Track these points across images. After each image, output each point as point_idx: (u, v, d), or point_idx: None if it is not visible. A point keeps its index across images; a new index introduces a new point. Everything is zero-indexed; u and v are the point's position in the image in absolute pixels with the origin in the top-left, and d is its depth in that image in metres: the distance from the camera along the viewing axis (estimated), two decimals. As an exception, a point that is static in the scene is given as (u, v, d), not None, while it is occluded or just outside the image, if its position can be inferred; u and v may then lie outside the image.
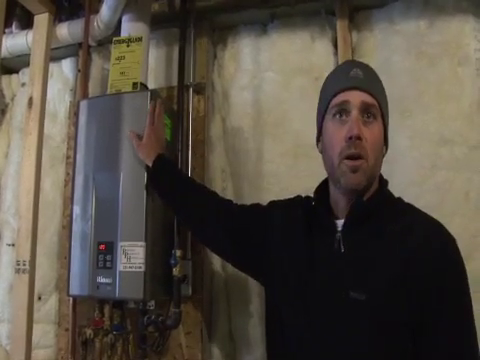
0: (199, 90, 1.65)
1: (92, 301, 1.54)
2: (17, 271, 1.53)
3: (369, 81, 0.91)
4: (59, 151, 1.85)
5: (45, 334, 1.72)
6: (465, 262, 0.82)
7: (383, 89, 0.95)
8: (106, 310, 1.50)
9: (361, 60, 1.24)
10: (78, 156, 1.44)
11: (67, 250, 1.44)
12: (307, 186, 1.02)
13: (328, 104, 0.92)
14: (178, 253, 1.39)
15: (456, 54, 1.47)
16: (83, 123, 1.45)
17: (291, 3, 1.61)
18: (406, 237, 0.83)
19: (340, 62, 1.49)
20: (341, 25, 1.56)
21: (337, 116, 0.89)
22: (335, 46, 1.60)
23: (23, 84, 1.99)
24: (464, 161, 1.41)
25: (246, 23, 1.74)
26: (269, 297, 1.02)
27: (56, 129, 1.88)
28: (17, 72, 2.05)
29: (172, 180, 1.27)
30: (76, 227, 1.40)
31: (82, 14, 1.76)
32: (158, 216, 1.38)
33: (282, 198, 1.11)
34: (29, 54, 1.72)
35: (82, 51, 1.78)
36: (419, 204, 0.91)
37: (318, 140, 0.98)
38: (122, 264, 1.30)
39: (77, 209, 1.41)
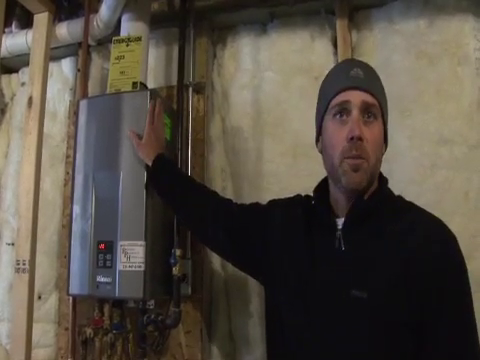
0: (199, 89, 1.65)
1: (92, 300, 1.54)
2: (17, 270, 1.53)
3: (369, 80, 0.91)
4: (59, 150, 1.85)
5: (45, 333, 1.72)
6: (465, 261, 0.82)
7: (383, 88, 0.95)
8: (106, 309, 1.51)
9: (361, 59, 1.24)
10: (78, 155, 1.44)
11: (67, 249, 1.44)
12: (307, 186, 1.02)
13: (328, 104, 0.91)
14: (178, 252, 1.39)
15: (456, 54, 1.47)
16: (83, 122, 1.45)
17: (290, 2, 1.61)
18: (407, 236, 0.83)
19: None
20: (341, 24, 1.56)
21: (337, 116, 0.89)
22: (335, 45, 1.60)
23: (23, 83, 1.99)
24: (464, 161, 1.41)
25: (246, 22, 1.74)
26: (269, 296, 1.02)
27: (56, 128, 1.88)
28: (17, 71, 2.05)
29: (172, 179, 1.27)
30: (76, 226, 1.40)
31: (82, 13, 1.76)
32: (158, 215, 1.38)
33: (282, 198, 1.11)
34: (29, 53, 1.72)
35: (82, 50, 1.78)
36: (419, 203, 0.91)
37: (317, 139, 0.98)
38: (122, 263, 1.30)
39: (77, 208, 1.41)
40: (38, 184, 1.61)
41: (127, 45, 1.49)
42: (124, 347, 1.50)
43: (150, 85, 1.60)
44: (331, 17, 1.63)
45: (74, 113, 1.66)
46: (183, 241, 1.47)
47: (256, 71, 1.69)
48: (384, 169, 0.96)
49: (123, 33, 1.54)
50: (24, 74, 1.99)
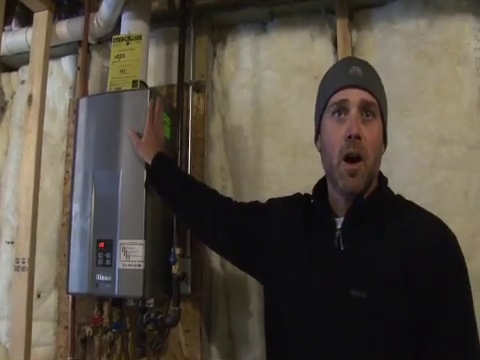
0: (199, 88, 1.65)
1: (91, 299, 1.54)
2: (16, 269, 1.53)
3: (368, 79, 0.90)
4: (58, 149, 1.85)
5: (44, 332, 1.72)
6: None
7: (382, 87, 0.94)
8: (105, 308, 1.50)
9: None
10: (77, 154, 1.44)
11: (66, 248, 1.44)
12: (306, 185, 1.02)
13: (327, 102, 0.91)
14: (177, 251, 1.39)
15: (456, 53, 1.47)
16: (82, 121, 1.45)
17: (290, 1, 1.62)
18: (406, 235, 0.82)
19: (340, 61, 1.49)
20: (341, 24, 1.56)
21: (336, 114, 0.89)
22: (335, 45, 1.60)
23: (23, 82, 1.99)
24: (463, 160, 1.41)
25: (246, 21, 1.74)
26: (268, 296, 1.01)
27: (56, 127, 1.88)
28: (17, 70, 2.05)
29: (171, 178, 1.27)
30: (75, 225, 1.40)
31: (82, 12, 1.76)
32: (157, 214, 1.38)
33: (282, 196, 1.11)
34: (29, 52, 1.72)
35: (82, 49, 1.78)
36: (418, 203, 0.91)
37: (316, 138, 0.97)
38: (121, 262, 1.30)
39: (76, 207, 1.41)
40: (38, 182, 1.61)
41: (127, 44, 1.49)
42: (123, 346, 1.50)
43: (150, 84, 1.60)
44: (331, 16, 1.63)
45: (74, 111, 1.66)
46: (183, 240, 1.47)
47: (256, 70, 1.69)
48: (384, 169, 0.96)
49: (123, 31, 1.54)
50: (24, 72, 1.99)
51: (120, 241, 1.32)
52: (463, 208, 1.39)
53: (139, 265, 1.29)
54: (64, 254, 1.66)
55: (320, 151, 0.96)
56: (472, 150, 1.41)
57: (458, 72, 1.46)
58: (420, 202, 0.91)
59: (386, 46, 1.56)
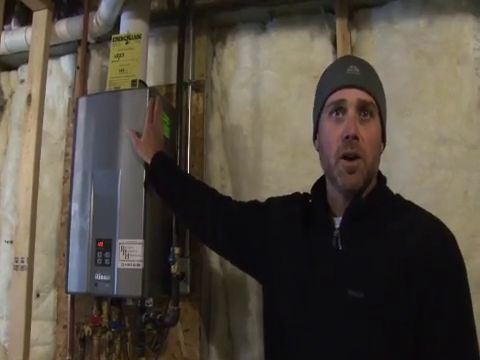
0: (198, 88, 1.65)
1: (90, 298, 1.54)
2: (15, 268, 1.53)
3: (366, 78, 0.90)
4: (58, 148, 1.85)
5: (43, 331, 1.72)
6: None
7: (380, 85, 0.94)
8: (104, 307, 1.50)
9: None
10: (77, 153, 1.44)
11: (65, 247, 1.44)
12: (306, 184, 1.02)
13: (324, 102, 0.91)
14: (176, 251, 1.39)
15: (455, 53, 1.47)
16: (82, 120, 1.45)
17: (289, 1, 1.61)
18: (405, 235, 0.82)
19: (339, 61, 1.49)
20: (340, 23, 1.56)
21: (333, 114, 0.88)
22: (334, 44, 1.60)
23: (22, 81, 1.99)
24: (463, 160, 1.41)
25: (245, 21, 1.74)
26: (267, 295, 1.01)
27: (55, 126, 1.88)
28: (16, 69, 2.05)
29: (170, 177, 1.27)
30: (74, 224, 1.40)
31: (81, 11, 1.76)
32: (157, 213, 1.38)
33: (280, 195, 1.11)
34: (28, 51, 1.71)
35: (81, 48, 1.78)
36: (418, 203, 0.91)
37: (315, 137, 0.97)
38: (120, 261, 1.30)
39: (75, 206, 1.41)
40: (37, 182, 1.60)
41: (126, 43, 1.49)
42: (122, 345, 1.49)
43: (149, 83, 1.60)
44: (331, 16, 1.63)
45: (73, 111, 1.65)
46: (182, 239, 1.47)
47: (255, 69, 1.69)
48: (383, 169, 0.95)
49: (122, 31, 1.54)
50: (23, 71, 1.99)
51: (119, 240, 1.32)
52: (462, 208, 1.38)
53: (138, 265, 1.29)
54: (63, 253, 1.66)
55: (318, 150, 0.96)
56: (472, 150, 1.41)
57: (458, 72, 1.46)
58: (419, 202, 0.90)
59: (386, 46, 1.56)
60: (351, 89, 0.87)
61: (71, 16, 1.79)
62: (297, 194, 1.07)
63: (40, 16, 1.69)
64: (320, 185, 0.97)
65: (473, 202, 1.39)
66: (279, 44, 1.68)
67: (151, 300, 1.43)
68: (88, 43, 1.78)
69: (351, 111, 0.86)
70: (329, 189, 0.94)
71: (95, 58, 1.84)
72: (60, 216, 1.77)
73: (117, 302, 1.46)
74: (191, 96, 1.63)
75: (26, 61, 1.75)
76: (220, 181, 1.66)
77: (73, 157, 1.44)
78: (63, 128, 1.86)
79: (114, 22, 1.64)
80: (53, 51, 1.81)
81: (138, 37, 1.48)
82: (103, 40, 1.81)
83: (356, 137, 0.84)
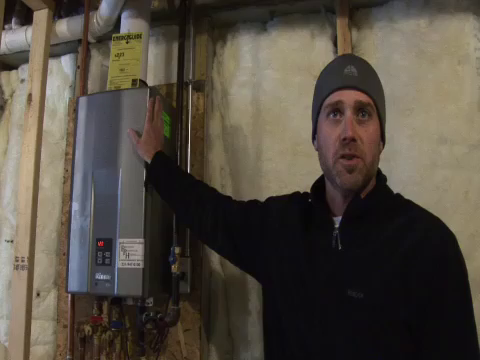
0: (198, 87, 1.65)
1: (91, 298, 1.54)
2: (16, 267, 1.53)
3: (364, 79, 0.89)
4: (58, 148, 1.85)
5: (44, 331, 1.72)
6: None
7: (379, 84, 0.93)
8: (105, 307, 1.50)
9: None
10: (77, 153, 1.43)
11: (66, 247, 1.44)
12: (306, 184, 1.02)
13: (322, 103, 0.90)
14: (177, 250, 1.39)
15: (456, 53, 1.47)
16: (82, 120, 1.45)
17: (290, 1, 1.61)
18: (405, 234, 0.82)
19: (340, 60, 1.49)
20: (341, 23, 1.56)
21: (331, 115, 0.88)
22: (335, 44, 1.60)
23: (22, 80, 1.99)
24: (464, 160, 1.41)
25: (246, 20, 1.74)
26: (267, 295, 1.01)
27: (55, 126, 1.88)
28: (16, 68, 2.05)
29: (171, 177, 1.26)
30: (75, 224, 1.40)
31: (81, 10, 1.76)
32: (157, 213, 1.38)
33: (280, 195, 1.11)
34: (28, 50, 1.72)
35: (81, 47, 1.78)
36: (418, 203, 0.90)
37: (314, 138, 0.97)
38: (121, 261, 1.30)
39: (76, 206, 1.40)
40: (37, 181, 1.61)
41: (127, 42, 1.49)
42: (123, 345, 1.50)
43: (150, 82, 1.60)
44: (331, 15, 1.63)
45: (73, 110, 1.66)
46: (182, 239, 1.47)
47: (256, 69, 1.69)
48: (384, 168, 0.95)
49: (123, 30, 1.54)
50: (24, 71, 1.99)
51: (119, 240, 1.32)
52: (463, 208, 1.38)
53: (138, 264, 1.29)
54: (63, 253, 1.67)
55: (317, 150, 0.95)
56: (472, 150, 1.41)
57: (458, 72, 1.46)
58: (420, 202, 0.90)
59: (386, 45, 1.55)
60: (348, 90, 0.87)
61: (72, 15, 1.79)
62: (297, 193, 1.07)
63: (41, 15, 1.70)
64: (320, 185, 0.97)
65: (474, 202, 1.38)
66: (279, 44, 1.68)
67: (151, 300, 1.43)
68: (88, 42, 1.78)
69: (348, 113, 0.85)
70: (328, 189, 0.94)
71: (95, 57, 1.84)
72: (60, 215, 1.77)
73: (117, 302, 1.46)
74: (191, 96, 1.63)
75: (26, 60, 1.75)
76: (220, 181, 1.65)
77: (73, 156, 1.44)
78: (63, 127, 1.86)
79: (114, 21, 1.64)
80: (53, 50, 1.81)
81: (138, 36, 1.48)
82: (104, 39, 1.81)
83: (354, 139, 0.83)
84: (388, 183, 0.94)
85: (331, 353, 0.82)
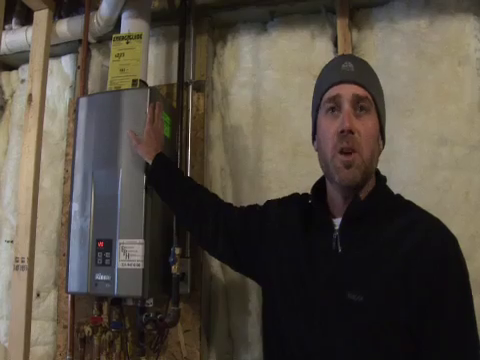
0: (199, 88, 1.65)
1: (91, 298, 1.54)
2: (16, 268, 1.53)
3: (361, 73, 0.89)
4: (58, 148, 1.85)
5: (44, 331, 1.72)
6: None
7: (377, 81, 0.94)
8: (105, 307, 1.50)
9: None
10: (77, 153, 1.43)
11: (66, 247, 1.44)
12: (306, 184, 1.02)
13: (321, 99, 0.91)
14: (177, 251, 1.39)
15: (456, 54, 1.47)
16: (82, 120, 1.45)
17: (290, 1, 1.61)
18: (405, 236, 0.81)
19: (340, 61, 1.49)
20: (341, 23, 1.56)
21: (330, 111, 0.88)
22: (335, 44, 1.60)
23: (22, 81, 1.99)
24: (464, 161, 1.41)
25: (246, 21, 1.74)
26: (267, 297, 1.01)
27: (55, 126, 1.88)
28: (16, 68, 2.05)
29: (171, 179, 1.26)
30: (75, 224, 1.39)
31: (82, 10, 1.76)
32: (157, 214, 1.38)
33: (281, 197, 1.10)
34: (29, 50, 1.72)
35: (82, 48, 1.78)
36: (418, 204, 0.90)
37: (314, 138, 0.97)
38: (121, 261, 1.30)
39: (76, 206, 1.40)
40: (37, 182, 1.60)
41: (127, 42, 1.49)
42: (123, 345, 1.49)
43: (150, 83, 1.60)
44: (331, 16, 1.63)
45: (74, 111, 1.66)
46: (182, 240, 1.46)
47: (256, 69, 1.69)
48: (384, 169, 0.95)
49: (123, 30, 1.54)
50: (24, 71, 1.99)
51: (119, 240, 1.31)
52: (464, 209, 1.38)
53: (138, 265, 1.29)
54: (63, 253, 1.67)
55: (317, 151, 0.95)
56: (473, 151, 1.41)
57: (459, 72, 1.46)
58: (420, 203, 0.90)
59: (386, 46, 1.55)
60: (346, 84, 0.87)
61: (72, 16, 1.79)
62: (296, 195, 1.06)
63: (41, 16, 1.70)
64: (320, 186, 0.97)
65: (474, 203, 1.38)
66: (280, 44, 1.68)
67: (151, 300, 1.43)
68: (89, 43, 1.78)
69: (346, 106, 0.86)
70: (329, 189, 0.94)
71: (96, 58, 1.84)
72: (60, 216, 1.76)
73: (117, 302, 1.45)
74: (192, 96, 1.62)
75: (27, 61, 1.75)
76: (220, 181, 1.65)
77: (74, 157, 1.44)
78: (64, 128, 1.86)
79: (115, 22, 1.64)
80: (54, 51, 1.81)
81: (139, 37, 1.48)
82: (104, 40, 1.81)
83: (351, 131, 0.83)
84: (388, 184, 0.94)
85: (331, 354, 0.82)
